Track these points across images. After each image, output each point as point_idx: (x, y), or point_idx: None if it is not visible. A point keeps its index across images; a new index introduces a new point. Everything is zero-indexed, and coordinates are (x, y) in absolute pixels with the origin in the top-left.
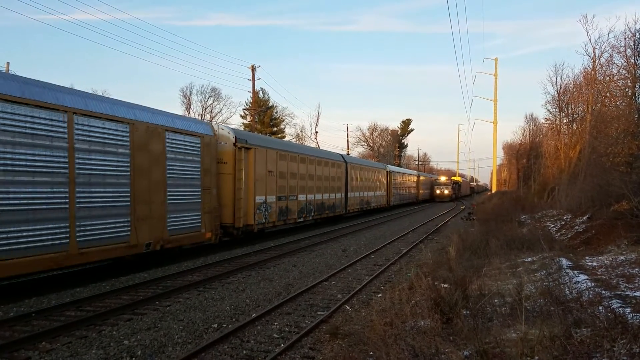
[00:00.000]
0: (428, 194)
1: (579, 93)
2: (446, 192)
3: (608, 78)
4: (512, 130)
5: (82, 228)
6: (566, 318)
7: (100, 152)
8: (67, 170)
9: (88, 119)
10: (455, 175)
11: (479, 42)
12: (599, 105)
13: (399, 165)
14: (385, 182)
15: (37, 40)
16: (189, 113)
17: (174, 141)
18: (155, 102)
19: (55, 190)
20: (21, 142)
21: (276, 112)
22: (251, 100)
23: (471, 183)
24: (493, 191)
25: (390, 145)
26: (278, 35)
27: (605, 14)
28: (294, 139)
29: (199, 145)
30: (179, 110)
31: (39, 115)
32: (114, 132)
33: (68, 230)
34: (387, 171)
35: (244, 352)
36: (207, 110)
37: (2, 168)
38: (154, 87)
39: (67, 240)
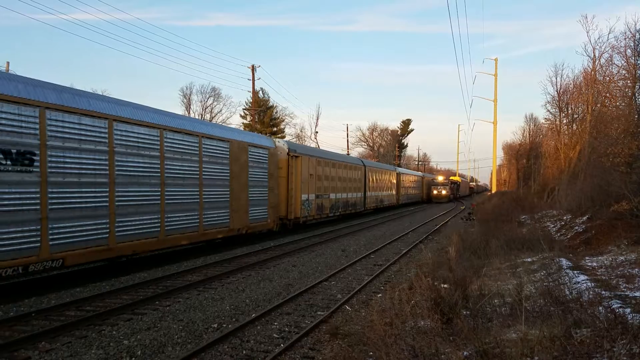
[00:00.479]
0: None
1: (579, 93)
2: (444, 192)
3: (608, 78)
4: (512, 130)
5: (204, 217)
6: (566, 318)
7: (215, 163)
8: (197, 175)
9: (211, 141)
10: (454, 175)
11: (479, 42)
12: (599, 105)
13: (399, 165)
14: (395, 182)
15: (38, 40)
16: (189, 113)
17: (253, 154)
18: (156, 102)
19: (193, 190)
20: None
21: (276, 112)
22: (251, 100)
23: (471, 183)
24: (493, 191)
25: (390, 145)
26: (278, 35)
27: (605, 15)
28: (294, 139)
29: (267, 156)
30: (179, 110)
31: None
32: (222, 149)
33: (198, 218)
34: (397, 173)
35: (244, 352)
36: (207, 110)
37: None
38: (154, 87)
39: (197, 224)
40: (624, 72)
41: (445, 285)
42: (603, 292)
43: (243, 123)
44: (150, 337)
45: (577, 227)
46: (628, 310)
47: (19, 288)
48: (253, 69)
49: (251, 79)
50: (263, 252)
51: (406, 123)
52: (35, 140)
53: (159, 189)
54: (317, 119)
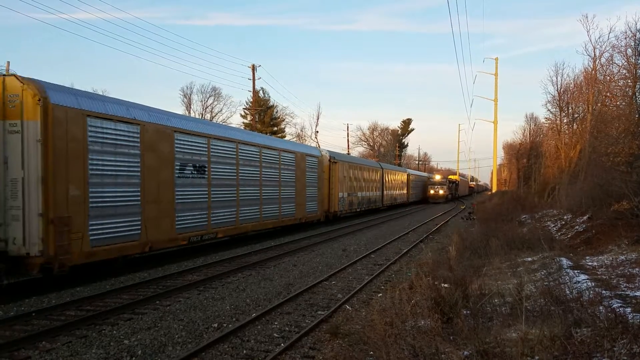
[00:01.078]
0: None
1: (579, 93)
2: (441, 192)
3: (608, 78)
4: (513, 129)
5: (282, 209)
6: (566, 318)
7: (287, 169)
8: (257, 178)
9: (286, 153)
10: (453, 174)
11: (479, 41)
12: (599, 104)
13: (399, 165)
14: (405, 182)
15: (38, 40)
16: (189, 113)
17: (309, 161)
18: (156, 102)
19: (255, 189)
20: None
21: (276, 112)
22: (251, 100)
23: (471, 183)
24: (493, 191)
25: (391, 145)
26: (278, 35)
27: (606, 14)
28: (294, 139)
29: (317, 163)
30: (180, 110)
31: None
32: (291, 159)
33: (258, 211)
34: (407, 174)
35: (244, 351)
36: (207, 109)
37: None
38: (154, 87)
39: (258, 216)
40: (624, 71)
41: (446, 285)
42: (603, 291)
43: (243, 123)
44: (150, 336)
45: (577, 227)
46: (628, 309)
47: (19, 288)
48: (253, 68)
49: (251, 78)
50: (263, 251)
51: (406, 122)
52: (205, 157)
53: (277, 189)
54: (318, 119)
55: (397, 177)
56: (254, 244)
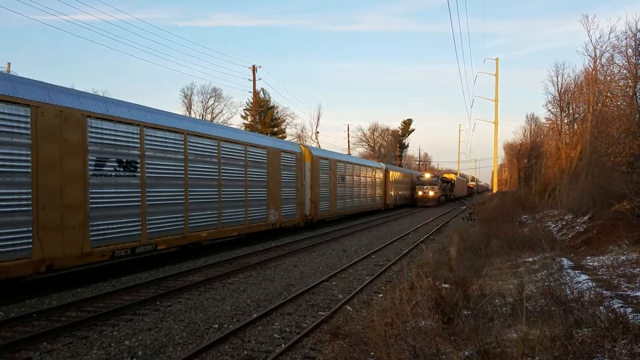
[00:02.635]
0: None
1: (580, 93)
2: (431, 193)
3: (609, 78)
4: (513, 130)
5: (270, 212)
6: (567, 318)
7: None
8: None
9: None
10: (450, 173)
11: (480, 42)
12: (600, 105)
13: (400, 166)
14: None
15: (38, 41)
16: (190, 113)
17: (369, 170)
18: (156, 103)
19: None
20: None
21: (277, 113)
22: (252, 101)
23: (470, 182)
24: (494, 191)
25: (391, 145)
26: (279, 36)
27: (606, 14)
28: (295, 139)
29: (382, 173)
30: (180, 111)
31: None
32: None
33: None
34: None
35: (245, 352)
36: (207, 110)
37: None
38: (155, 87)
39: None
40: (625, 71)
41: (446, 285)
42: (604, 291)
43: (244, 123)
44: (151, 337)
45: (578, 227)
46: (629, 309)
47: (20, 289)
48: (254, 69)
49: (252, 79)
50: (264, 252)
51: (407, 123)
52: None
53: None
54: (318, 119)
55: (403, 179)
56: (254, 244)
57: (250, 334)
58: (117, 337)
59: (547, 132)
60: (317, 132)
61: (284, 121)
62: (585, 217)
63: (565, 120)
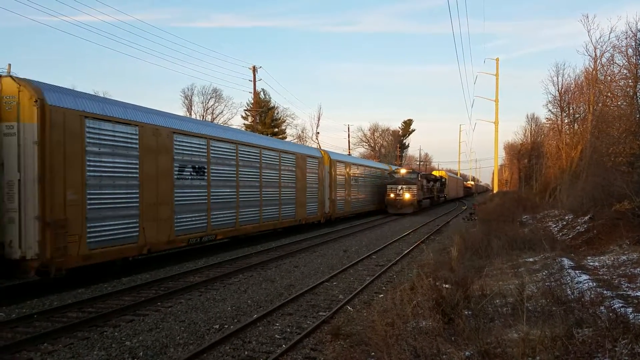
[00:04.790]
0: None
1: (580, 93)
2: (407, 195)
3: (609, 78)
4: (514, 130)
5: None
6: (568, 318)
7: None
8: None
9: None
10: (439, 171)
11: (480, 42)
12: (600, 105)
13: (401, 166)
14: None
15: (39, 42)
16: (190, 114)
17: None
18: (157, 103)
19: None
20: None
21: (277, 113)
22: (252, 101)
23: (468, 182)
24: (494, 191)
25: (392, 145)
26: (279, 36)
27: (607, 14)
28: (295, 140)
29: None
30: (181, 112)
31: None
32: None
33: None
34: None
35: (246, 352)
36: (208, 111)
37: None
38: (155, 88)
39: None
40: (625, 71)
41: (447, 286)
42: (605, 291)
43: (244, 124)
44: (152, 338)
45: (579, 227)
46: (630, 310)
47: (21, 289)
48: (254, 70)
49: (252, 80)
50: (265, 252)
51: (407, 123)
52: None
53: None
54: (319, 120)
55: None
56: (255, 245)
57: (251, 334)
58: (118, 338)
59: (548, 132)
60: (318, 133)
61: (284, 122)
62: (586, 217)
63: (566, 120)
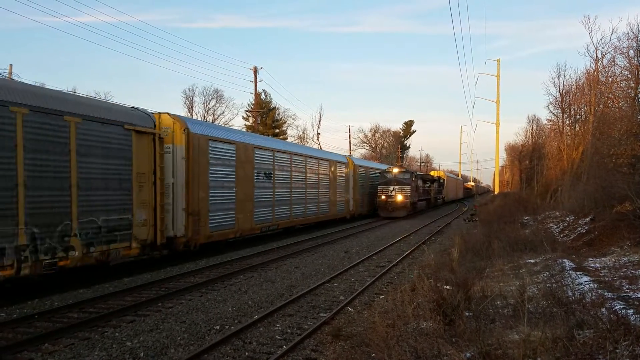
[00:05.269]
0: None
1: (581, 94)
2: (400, 197)
3: (611, 79)
4: (515, 131)
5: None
6: (569, 320)
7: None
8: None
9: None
10: (437, 171)
11: (481, 43)
12: (601, 106)
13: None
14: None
15: (40, 42)
16: (191, 115)
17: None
18: (158, 104)
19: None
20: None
21: (278, 114)
22: (253, 102)
23: (468, 183)
24: (495, 192)
25: (393, 146)
26: (281, 37)
27: (608, 16)
28: (296, 141)
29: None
30: (181, 112)
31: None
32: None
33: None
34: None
35: (246, 353)
36: (209, 112)
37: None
38: (156, 89)
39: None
40: (626, 72)
41: (448, 287)
42: (606, 293)
43: (245, 125)
44: (153, 338)
45: (580, 228)
46: (631, 311)
47: (22, 290)
48: (255, 70)
49: (253, 80)
50: (265, 253)
51: (408, 124)
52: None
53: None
54: (320, 120)
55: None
56: (256, 245)
57: (251, 335)
58: (119, 339)
59: (549, 134)
60: (319, 134)
61: (285, 122)
62: (587, 219)
63: (567, 122)
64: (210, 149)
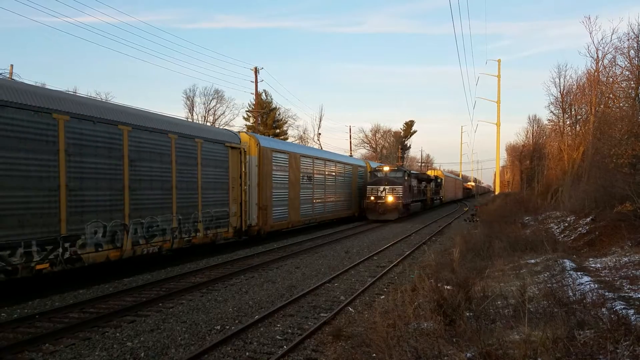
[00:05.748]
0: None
1: (582, 94)
2: (390, 198)
3: (611, 79)
4: (516, 131)
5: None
6: (569, 320)
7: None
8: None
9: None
10: (434, 169)
11: (482, 44)
12: (602, 106)
13: (402, 166)
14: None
15: (41, 43)
16: (192, 115)
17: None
18: (159, 105)
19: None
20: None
21: (279, 114)
22: (254, 102)
23: (468, 183)
24: (496, 193)
25: (393, 147)
26: (282, 37)
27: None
28: (297, 141)
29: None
30: (182, 113)
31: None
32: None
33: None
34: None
35: (247, 353)
36: (210, 112)
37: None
38: (157, 89)
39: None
40: (627, 73)
41: (448, 287)
42: (607, 293)
43: (246, 125)
44: (153, 339)
45: (580, 229)
46: (631, 311)
47: (23, 290)
48: (256, 71)
49: (254, 81)
50: (266, 253)
51: (409, 124)
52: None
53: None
54: (320, 121)
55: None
56: (256, 246)
57: (252, 335)
58: (120, 339)
59: (550, 134)
60: (319, 134)
61: (285, 122)
62: (588, 219)
63: (568, 122)
64: (273, 158)
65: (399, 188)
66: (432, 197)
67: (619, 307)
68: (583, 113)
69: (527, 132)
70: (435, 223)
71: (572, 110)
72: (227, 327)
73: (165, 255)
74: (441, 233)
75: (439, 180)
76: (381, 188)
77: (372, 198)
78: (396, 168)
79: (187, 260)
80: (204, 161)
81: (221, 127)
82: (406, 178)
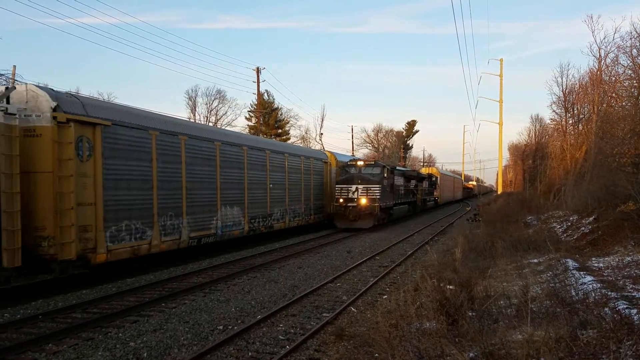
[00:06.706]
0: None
1: (584, 93)
2: (363, 200)
3: (614, 78)
4: (518, 131)
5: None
6: (572, 319)
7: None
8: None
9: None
10: (429, 167)
11: (484, 43)
12: (604, 105)
13: (404, 167)
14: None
15: (44, 44)
16: (194, 115)
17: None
18: (160, 105)
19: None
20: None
21: (281, 114)
22: (256, 103)
23: (469, 183)
24: (499, 192)
25: (395, 146)
26: (284, 37)
27: (611, 15)
28: (299, 141)
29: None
30: (184, 113)
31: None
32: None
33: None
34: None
35: (250, 353)
36: (212, 112)
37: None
38: (159, 89)
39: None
40: (629, 72)
41: (451, 287)
42: (609, 293)
43: (248, 125)
44: (156, 339)
45: (583, 228)
46: (634, 311)
47: (25, 290)
48: (258, 71)
49: (256, 81)
50: (268, 253)
51: (411, 124)
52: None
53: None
54: (322, 121)
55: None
56: (258, 246)
57: (254, 335)
58: (122, 339)
59: (552, 133)
60: (321, 134)
61: (287, 122)
62: (591, 218)
63: (570, 121)
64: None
65: (376, 188)
66: (424, 198)
67: (621, 306)
68: (585, 112)
69: (530, 131)
70: (438, 223)
71: (575, 109)
72: (230, 327)
73: (298, 227)
74: (444, 233)
75: (433, 179)
76: (352, 188)
77: (341, 200)
78: (373, 162)
79: (189, 261)
80: (309, 171)
81: (222, 127)
82: (385, 175)
